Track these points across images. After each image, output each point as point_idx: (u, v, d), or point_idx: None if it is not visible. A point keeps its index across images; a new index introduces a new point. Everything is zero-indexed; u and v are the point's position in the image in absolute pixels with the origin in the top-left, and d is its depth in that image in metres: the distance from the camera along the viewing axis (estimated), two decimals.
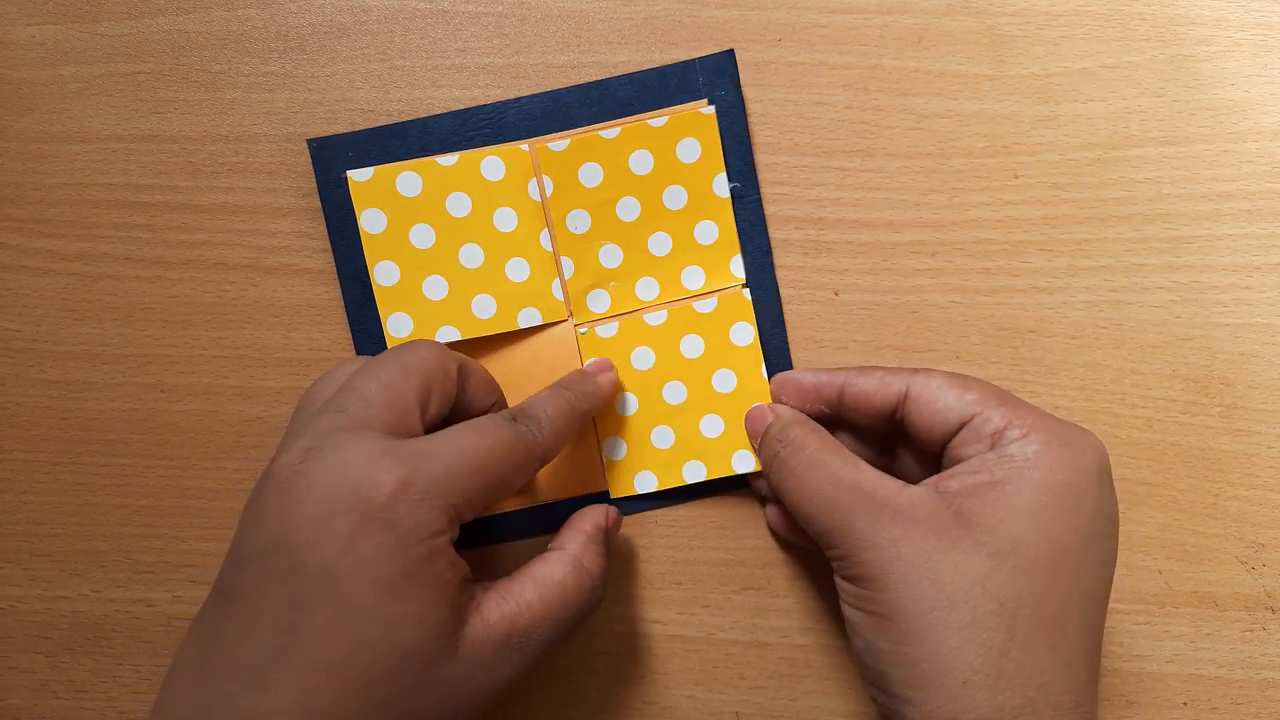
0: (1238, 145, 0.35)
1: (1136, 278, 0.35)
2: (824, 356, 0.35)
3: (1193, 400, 0.35)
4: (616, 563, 0.35)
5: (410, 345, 0.29)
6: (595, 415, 0.35)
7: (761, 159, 0.35)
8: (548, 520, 0.34)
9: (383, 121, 0.35)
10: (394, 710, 0.25)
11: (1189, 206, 0.35)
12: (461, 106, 0.35)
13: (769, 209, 0.35)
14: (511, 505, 0.35)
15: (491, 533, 0.35)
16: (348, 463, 0.25)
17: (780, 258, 0.35)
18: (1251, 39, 0.35)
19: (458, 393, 0.29)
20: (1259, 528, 0.35)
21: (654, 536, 0.35)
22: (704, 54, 0.35)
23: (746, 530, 0.35)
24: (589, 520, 0.31)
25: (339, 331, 0.35)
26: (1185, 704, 0.35)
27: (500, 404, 0.32)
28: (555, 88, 0.35)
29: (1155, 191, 0.35)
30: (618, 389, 0.35)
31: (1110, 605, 0.35)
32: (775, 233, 0.35)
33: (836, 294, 0.35)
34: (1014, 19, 0.35)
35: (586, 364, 0.34)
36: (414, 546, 0.25)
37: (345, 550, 0.24)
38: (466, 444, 0.27)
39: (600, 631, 0.35)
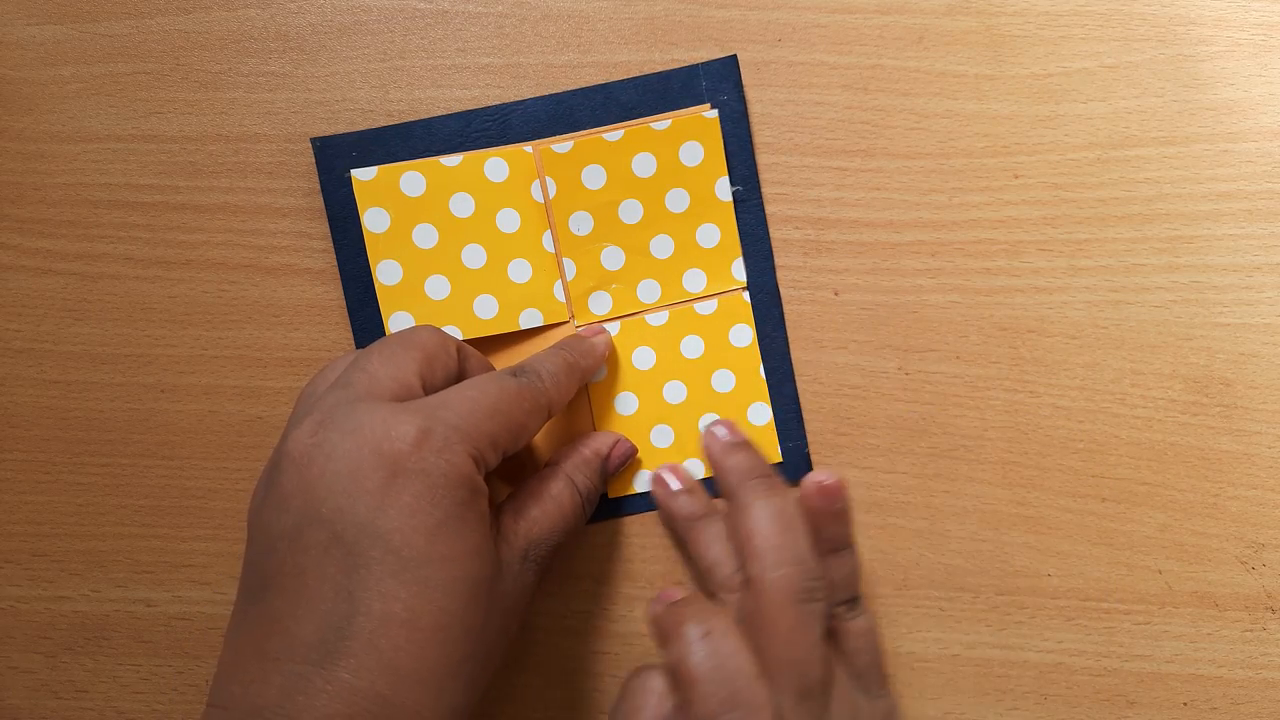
0: (1238, 145, 0.36)
1: (1136, 278, 0.36)
2: (824, 356, 0.36)
3: (1193, 400, 0.36)
4: (617, 563, 0.37)
5: (410, 328, 0.31)
6: (596, 418, 0.36)
7: (761, 159, 0.36)
8: None
9: (382, 122, 0.36)
10: (470, 641, 0.26)
11: (1189, 206, 0.36)
12: (461, 107, 0.36)
13: (769, 209, 0.36)
14: None
15: None
16: (363, 425, 0.26)
17: (780, 258, 0.37)
18: (1251, 39, 0.36)
19: (458, 372, 0.31)
20: (1259, 528, 0.36)
21: (654, 536, 0.37)
22: (704, 54, 0.36)
23: None
24: (590, 446, 0.34)
25: (340, 331, 0.36)
26: (1185, 704, 0.36)
27: None
28: (555, 88, 0.36)
29: (1155, 191, 0.36)
30: (611, 350, 0.36)
31: (1110, 605, 0.36)
32: (775, 233, 0.36)
33: (836, 294, 0.37)
34: (1014, 19, 0.36)
35: (579, 329, 0.36)
36: (452, 491, 0.26)
37: (383, 505, 0.25)
38: (476, 394, 0.28)
39: (600, 632, 0.37)
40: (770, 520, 0.31)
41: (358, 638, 0.24)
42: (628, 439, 0.35)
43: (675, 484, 0.35)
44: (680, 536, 0.35)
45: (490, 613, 0.27)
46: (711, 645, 0.27)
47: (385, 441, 0.26)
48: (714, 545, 0.33)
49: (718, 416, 0.36)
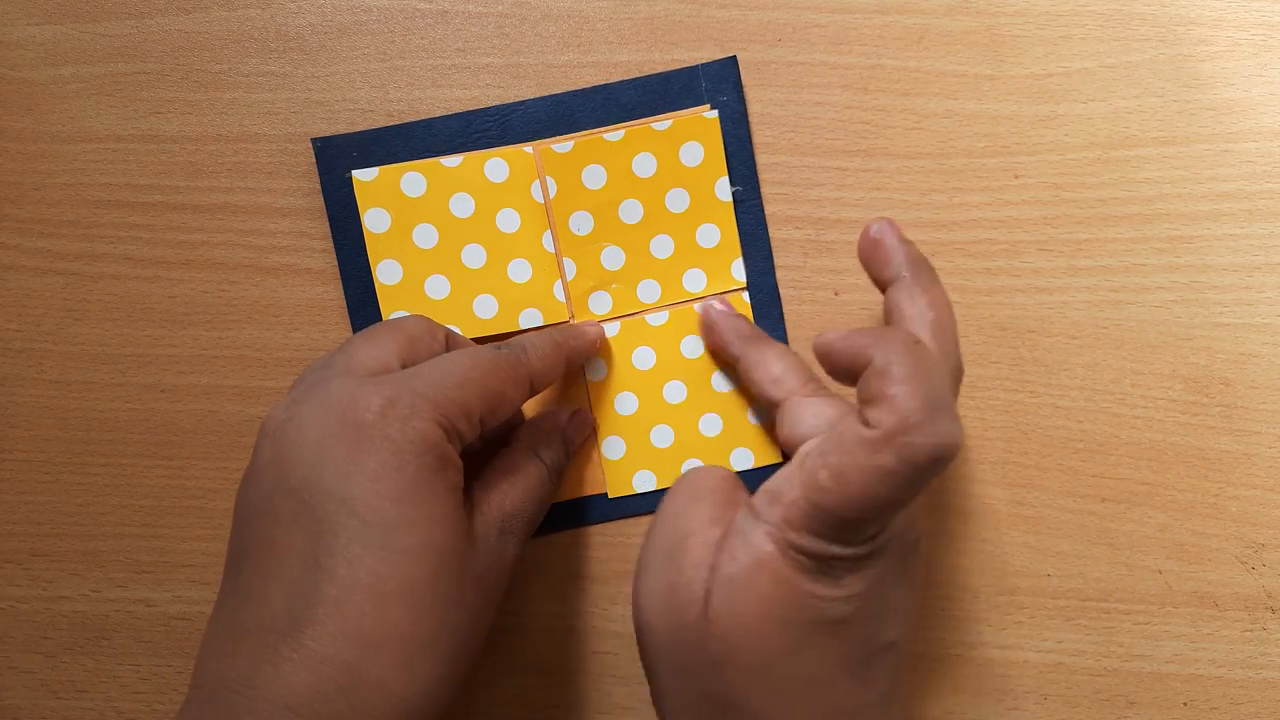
0: (1238, 145, 0.36)
1: (1136, 278, 0.37)
2: None
3: (1193, 400, 0.37)
4: (616, 563, 0.37)
5: (400, 316, 0.32)
6: (596, 418, 0.37)
7: (761, 159, 0.37)
8: (548, 521, 0.36)
9: (382, 122, 0.37)
10: (442, 611, 0.26)
11: (1189, 206, 0.36)
12: (461, 107, 0.37)
13: (769, 209, 0.37)
14: None
15: None
16: (331, 398, 0.27)
17: (780, 258, 0.37)
18: (1251, 39, 0.36)
19: (444, 354, 0.31)
20: (1259, 528, 0.36)
21: None
22: (704, 54, 0.36)
23: None
24: (548, 419, 0.35)
25: (340, 331, 0.37)
26: (1185, 704, 0.36)
27: None
28: (555, 88, 0.37)
29: (1155, 191, 0.37)
30: (605, 345, 0.37)
31: (1110, 605, 0.36)
32: (775, 233, 0.37)
33: (836, 294, 0.37)
34: (1014, 19, 0.37)
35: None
36: (418, 458, 0.26)
37: (350, 472, 0.26)
38: (449, 364, 0.28)
39: (600, 631, 0.37)
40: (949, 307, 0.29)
41: (323, 604, 0.25)
42: (587, 411, 0.36)
43: (727, 309, 0.36)
44: (733, 357, 0.35)
45: (465, 585, 0.27)
46: (921, 351, 0.27)
47: (351, 411, 0.26)
48: (778, 361, 0.33)
49: (718, 417, 0.37)
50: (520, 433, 0.34)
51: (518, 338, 0.32)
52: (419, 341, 0.30)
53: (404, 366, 0.29)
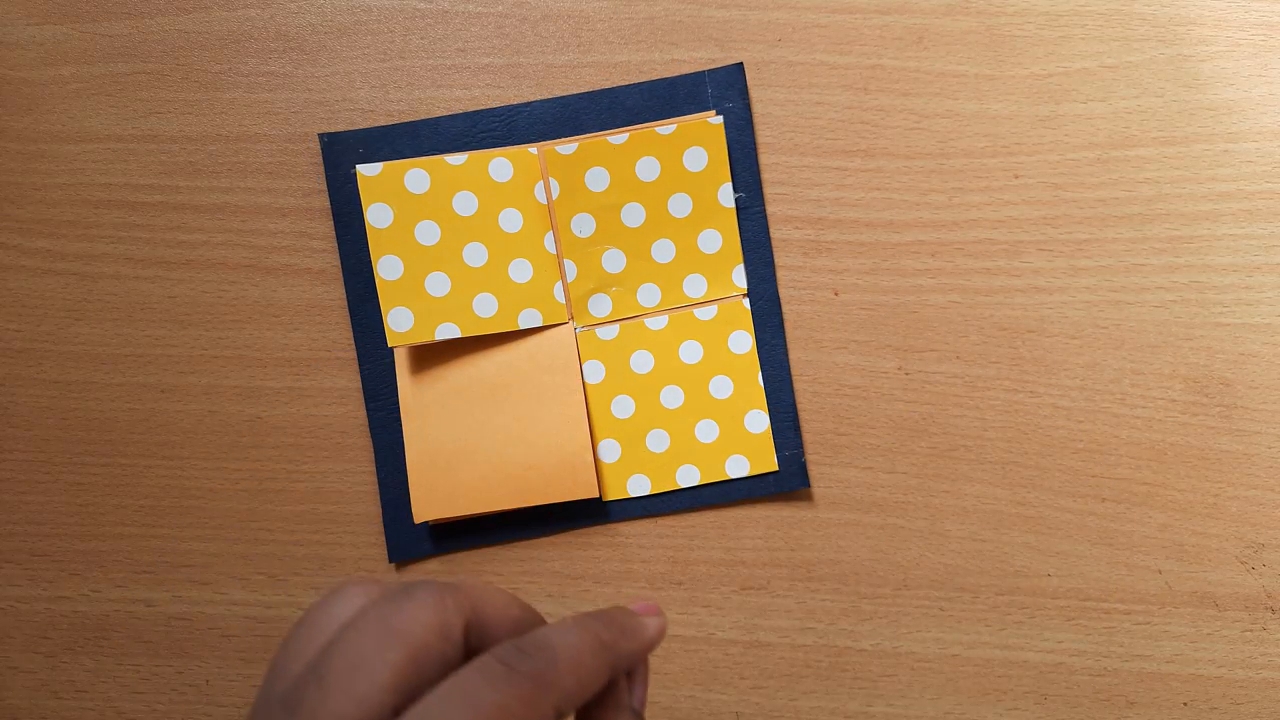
0: (1238, 145, 0.37)
1: (1136, 278, 0.37)
2: (824, 356, 0.37)
3: (1193, 400, 0.37)
4: (616, 563, 0.37)
5: (405, 597, 0.22)
6: (592, 422, 0.37)
7: (762, 159, 0.37)
8: (544, 523, 0.36)
9: (383, 121, 0.37)
10: None
11: (1189, 206, 0.37)
12: (461, 107, 0.37)
13: (769, 209, 0.37)
14: (497, 507, 0.36)
15: (472, 538, 0.37)
16: None
17: (780, 258, 0.37)
18: (1251, 39, 0.37)
19: (468, 647, 0.22)
20: (1259, 528, 0.37)
21: (654, 537, 0.37)
22: (704, 54, 0.37)
23: (746, 530, 0.37)
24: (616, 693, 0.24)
25: (339, 331, 0.37)
26: (1185, 704, 0.37)
27: None
28: (555, 87, 0.37)
29: (1155, 191, 0.37)
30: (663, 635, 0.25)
31: (1110, 605, 0.37)
32: (775, 232, 0.37)
33: (836, 294, 0.37)
34: (1014, 19, 0.37)
35: (635, 605, 0.26)
36: None
37: None
38: None
39: None
40: None
41: None
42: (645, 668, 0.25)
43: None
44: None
45: None
46: None
47: None
48: None
49: (715, 423, 0.37)
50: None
51: (548, 633, 0.22)
52: (427, 654, 0.21)
53: (396, 707, 0.20)
